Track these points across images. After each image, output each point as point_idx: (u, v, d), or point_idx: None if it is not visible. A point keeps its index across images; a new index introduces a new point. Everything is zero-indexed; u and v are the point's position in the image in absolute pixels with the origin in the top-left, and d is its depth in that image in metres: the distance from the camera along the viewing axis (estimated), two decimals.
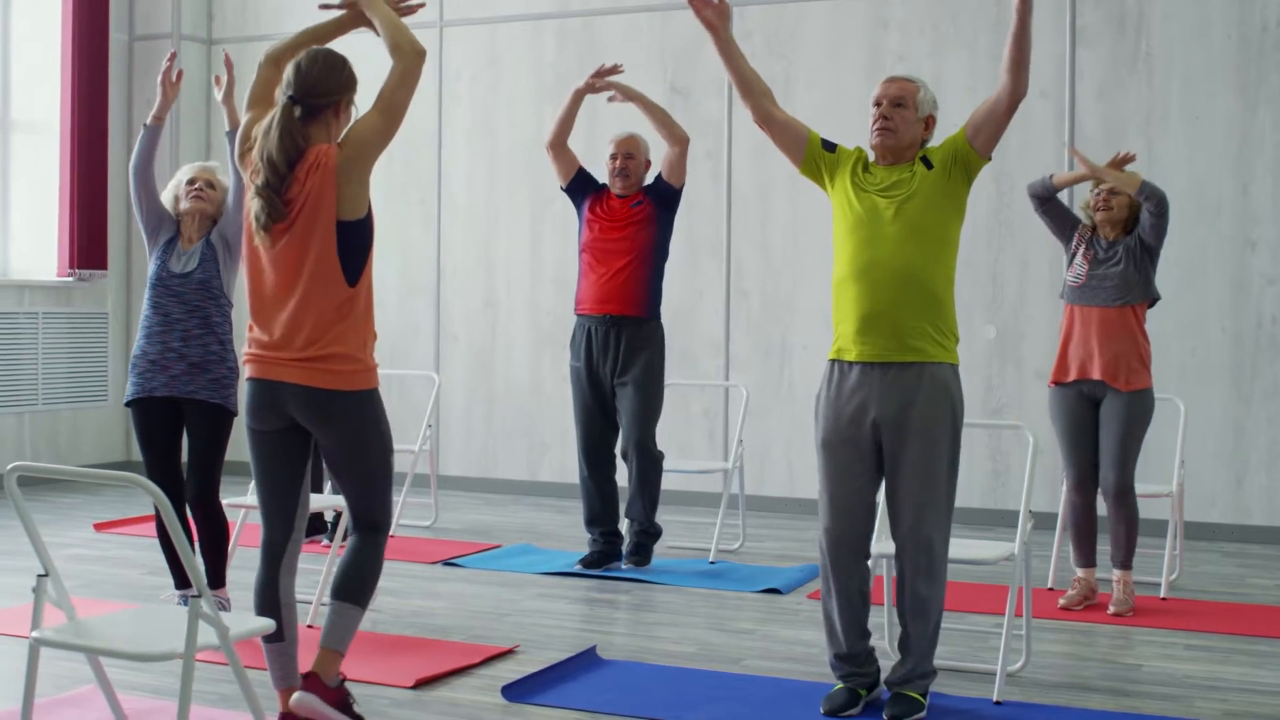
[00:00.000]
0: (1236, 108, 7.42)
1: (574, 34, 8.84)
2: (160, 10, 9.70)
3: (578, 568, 6.42)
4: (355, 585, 3.81)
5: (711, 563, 6.67)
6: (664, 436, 8.39)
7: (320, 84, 3.71)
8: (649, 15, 8.66)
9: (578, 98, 6.54)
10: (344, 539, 6.74)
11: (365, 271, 3.72)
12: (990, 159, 4.39)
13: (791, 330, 8.30)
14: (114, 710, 3.58)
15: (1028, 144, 7.80)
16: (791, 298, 8.30)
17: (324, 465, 6.93)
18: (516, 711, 4.29)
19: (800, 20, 8.29)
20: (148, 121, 5.16)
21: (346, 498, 3.86)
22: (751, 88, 4.51)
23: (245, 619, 3.48)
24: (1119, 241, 5.79)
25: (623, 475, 6.56)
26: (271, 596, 3.79)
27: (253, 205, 3.65)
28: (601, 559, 6.44)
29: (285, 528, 3.82)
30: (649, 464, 6.42)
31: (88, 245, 9.14)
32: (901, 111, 4.35)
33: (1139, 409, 5.72)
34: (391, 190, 9.35)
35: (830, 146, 4.46)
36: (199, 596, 3.16)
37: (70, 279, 9.15)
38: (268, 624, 3.45)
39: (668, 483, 7.96)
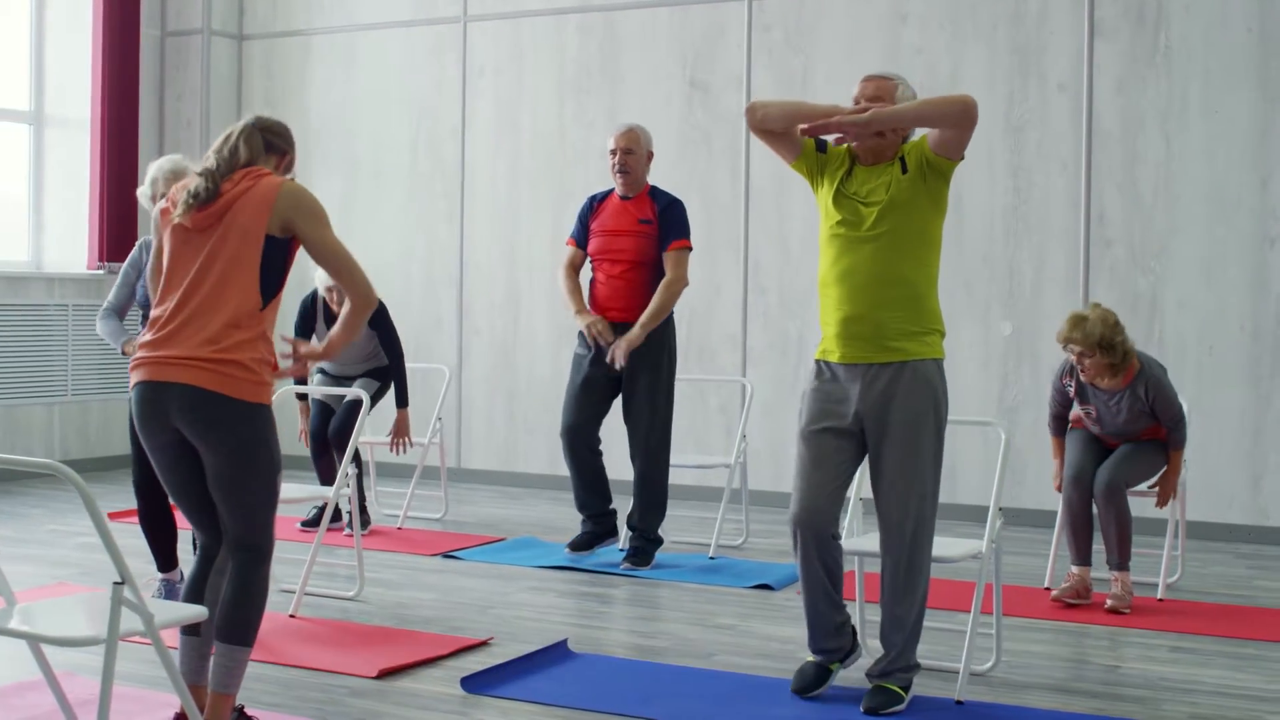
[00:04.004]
0: (1257, 102, 7.28)
1: (595, 28, 8.85)
2: (191, 6, 9.82)
3: (567, 553, 6.42)
4: (240, 626, 3.65)
5: (711, 558, 6.66)
6: (681, 432, 8.41)
7: (276, 128, 3.87)
8: (669, 10, 8.65)
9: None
10: (350, 527, 6.88)
11: (277, 297, 3.69)
12: (963, 157, 4.34)
13: (808, 326, 8.24)
14: (56, 695, 3.62)
15: (1045, 138, 7.70)
16: (808, 294, 8.25)
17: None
18: (474, 703, 4.30)
19: (819, 15, 8.24)
20: (124, 346, 5.24)
21: (224, 517, 3.67)
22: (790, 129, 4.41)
23: (175, 606, 3.52)
24: (1122, 398, 5.72)
25: (627, 470, 6.56)
26: (199, 593, 3.77)
27: (189, 185, 3.67)
28: (591, 540, 6.43)
29: (216, 533, 3.77)
30: (658, 474, 6.40)
31: (118, 239, 9.27)
32: None
33: (1156, 450, 5.83)
34: (416, 184, 9.41)
35: (822, 146, 4.46)
36: (122, 584, 3.20)
37: (101, 271, 9.29)
38: (199, 611, 3.48)
39: (676, 478, 7.95)
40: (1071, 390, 5.83)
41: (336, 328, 3.84)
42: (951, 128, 4.19)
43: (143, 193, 5.20)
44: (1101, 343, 5.57)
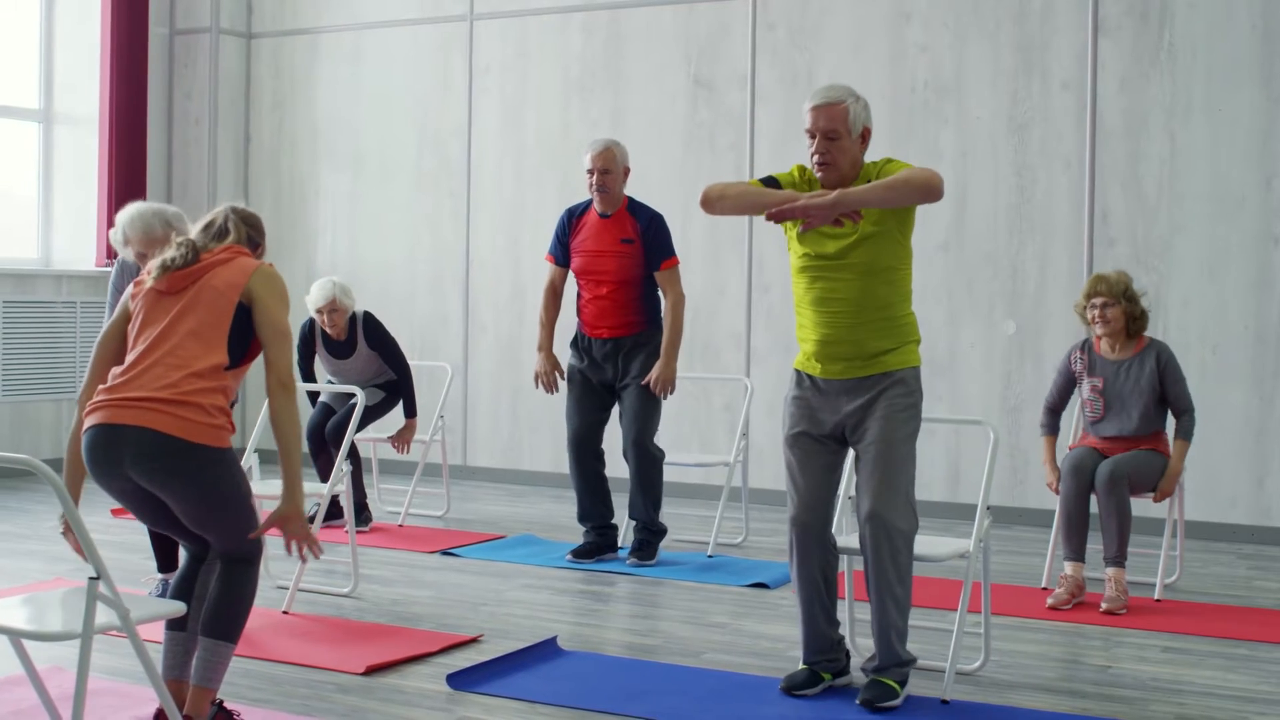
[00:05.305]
0: (1260, 100, 7.25)
1: (600, 27, 8.85)
2: (199, 4, 9.85)
3: (569, 559, 6.43)
4: (226, 621, 3.68)
5: (710, 556, 6.65)
6: (685, 430, 8.42)
7: (254, 221, 3.97)
8: (674, 8, 8.64)
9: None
10: (357, 525, 6.90)
11: (243, 366, 3.71)
12: None
13: None
14: (37, 689, 3.64)
15: (1048, 136, 7.67)
16: None
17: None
18: (459, 700, 4.31)
19: (823, 13, 8.22)
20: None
21: (209, 540, 3.73)
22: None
23: (152, 601, 3.53)
24: (1130, 365, 5.80)
25: (623, 469, 6.57)
26: (188, 589, 3.78)
27: (165, 251, 3.76)
28: (594, 550, 6.45)
29: (202, 544, 3.79)
30: (648, 463, 6.40)
31: None
32: (835, 143, 4.30)
33: (1160, 459, 5.86)
34: (422, 182, 9.43)
35: (773, 183, 4.40)
36: (97, 579, 3.21)
37: (109, 269, 9.32)
38: (177, 606, 3.49)
39: (680, 476, 7.97)
40: (1081, 365, 5.88)
41: (281, 452, 3.69)
42: (909, 199, 4.21)
43: (114, 237, 5.18)
44: (1126, 292, 5.80)
